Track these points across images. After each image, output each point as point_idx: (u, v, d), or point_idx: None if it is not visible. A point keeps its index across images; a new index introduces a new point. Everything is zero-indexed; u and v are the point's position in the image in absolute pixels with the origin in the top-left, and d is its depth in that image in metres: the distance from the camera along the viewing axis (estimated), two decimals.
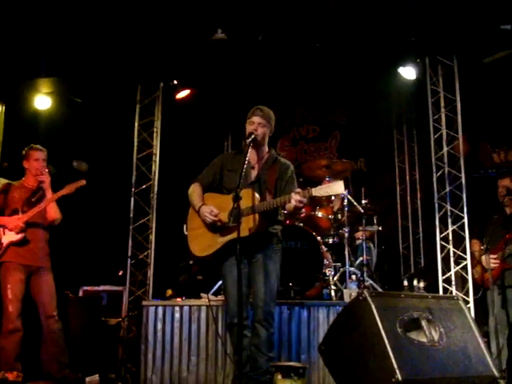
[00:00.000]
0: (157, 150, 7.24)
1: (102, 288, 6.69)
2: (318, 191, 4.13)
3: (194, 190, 4.61)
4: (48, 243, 5.57)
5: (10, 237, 5.38)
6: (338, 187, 4.08)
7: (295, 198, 4.10)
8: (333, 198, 6.48)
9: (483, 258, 5.68)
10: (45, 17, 5.79)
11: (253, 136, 4.38)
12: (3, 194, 5.64)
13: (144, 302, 5.94)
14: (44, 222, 5.55)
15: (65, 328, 5.94)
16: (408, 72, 7.15)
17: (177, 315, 5.67)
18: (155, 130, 7.26)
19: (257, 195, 4.31)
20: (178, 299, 5.93)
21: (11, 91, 6.78)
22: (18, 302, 5.31)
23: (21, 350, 5.31)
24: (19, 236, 5.36)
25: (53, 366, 5.33)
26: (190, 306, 5.68)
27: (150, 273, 6.85)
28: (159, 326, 5.67)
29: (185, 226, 4.76)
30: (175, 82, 7.52)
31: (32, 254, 5.41)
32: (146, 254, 6.90)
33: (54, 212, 5.54)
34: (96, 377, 5.59)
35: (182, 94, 7.68)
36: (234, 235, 4.21)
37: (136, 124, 7.22)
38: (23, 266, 5.37)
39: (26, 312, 5.34)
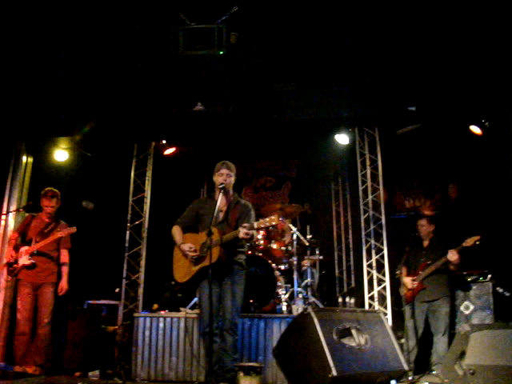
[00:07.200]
0: (148, 194, 7.23)
1: (102, 302, 6.57)
2: (259, 224, 4.21)
3: (176, 231, 4.67)
4: (55, 263, 5.53)
5: (24, 261, 5.40)
6: (273, 219, 4.15)
7: (242, 231, 4.20)
8: (285, 235, 6.52)
9: (407, 280, 5.72)
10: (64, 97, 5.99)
11: (223, 185, 4.47)
12: (26, 224, 5.61)
13: (135, 314, 5.86)
14: (50, 249, 5.52)
15: (72, 333, 5.87)
16: (342, 138, 7.25)
17: (161, 324, 5.61)
18: (147, 178, 7.27)
19: (220, 232, 4.35)
20: (162, 312, 5.86)
21: (38, 147, 6.76)
22: (26, 312, 5.32)
23: (28, 349, 5.22)
24: (29, 262, 5.40)
25: (36, 358, 5.22)
26: (172, 318, 5.63)
27: (141, 291, 6.77)
28: (147, 333, 5.60)
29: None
30: (163, 141, 7.61)
31: (37, 274, 5.43)
32: (137, 275, 6.82)
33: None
34: (96, 372, 5.53)
35: (169, 151, 7.77)
36: (204, 264, 4.28)
37: (132, 173, 7.23)
38: (30, 283, 5.40)
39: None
